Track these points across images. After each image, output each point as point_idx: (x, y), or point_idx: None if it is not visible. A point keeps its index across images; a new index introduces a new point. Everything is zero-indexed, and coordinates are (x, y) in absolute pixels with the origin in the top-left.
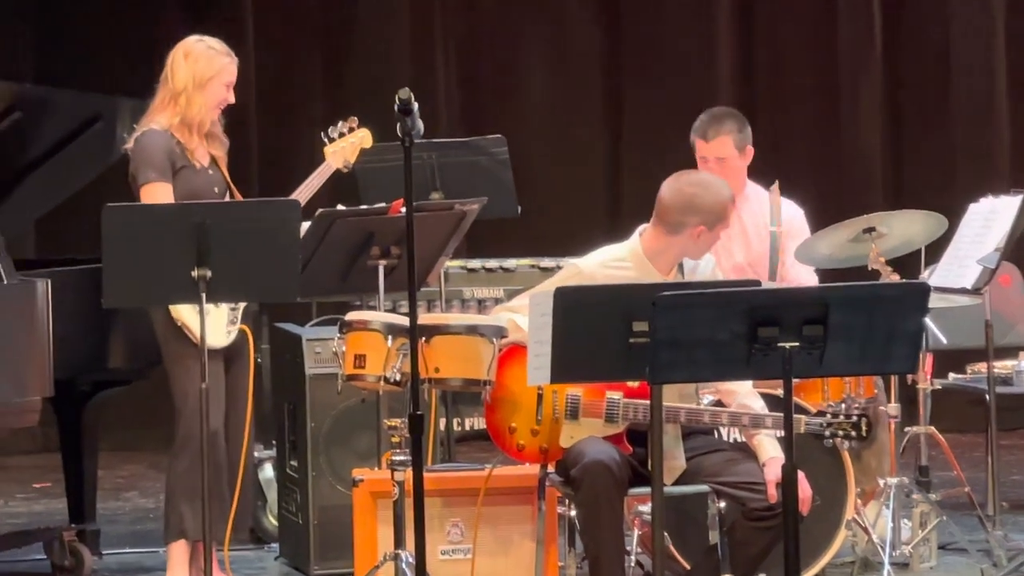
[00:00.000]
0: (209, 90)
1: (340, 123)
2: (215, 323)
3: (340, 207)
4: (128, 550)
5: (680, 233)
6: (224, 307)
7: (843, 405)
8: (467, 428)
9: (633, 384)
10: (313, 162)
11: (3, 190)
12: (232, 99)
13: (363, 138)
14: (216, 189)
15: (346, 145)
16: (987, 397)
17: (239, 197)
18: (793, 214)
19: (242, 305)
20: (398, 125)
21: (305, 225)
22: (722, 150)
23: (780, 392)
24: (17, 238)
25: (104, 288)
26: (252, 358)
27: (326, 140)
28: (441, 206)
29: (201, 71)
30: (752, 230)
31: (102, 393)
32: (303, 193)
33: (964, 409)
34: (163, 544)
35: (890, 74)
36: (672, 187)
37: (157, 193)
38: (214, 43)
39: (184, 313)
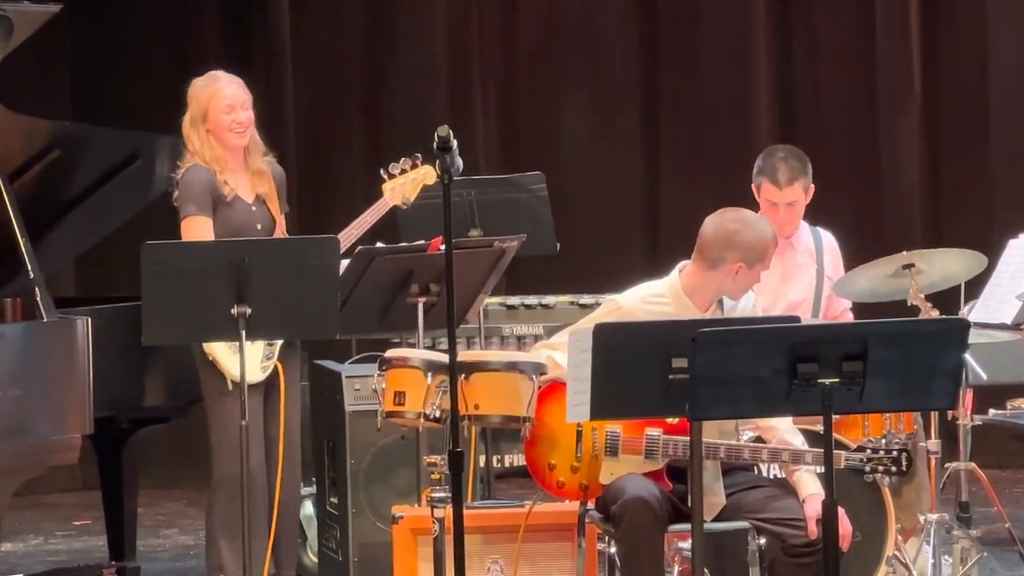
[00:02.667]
0: (210, 122)
1: (403, 159)
2: (250, 359)
3: (379, 244)
4: None
5: (718, 268)
6: (260, 342)
7: (883, 440)
8: (507, 465)
9: (672, 420)
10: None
11: (43, 227)
12: (241, 118)
13: (426, 175)
14: (259, 226)
15: (406, 182)
16: None
17: (284, 234)
18: (834, 249)
19: (279, 343)
20: (437, 162)
21: (345, 262)
22: (794, 195)
23: (820, 428)
24: (57, 275)
25: (144, 325)
26: (283, 392)
27: (385, 176)
28: (480, 243)
29: (193, 110)
30: (803, 268)
31: (142, 431)
32: (355, 229)
33: (1005, 445)
34: None
35: (928, 110)
36: (715, 222)
37: (196, 226)
38: (201, 78)
39: (216, 348)
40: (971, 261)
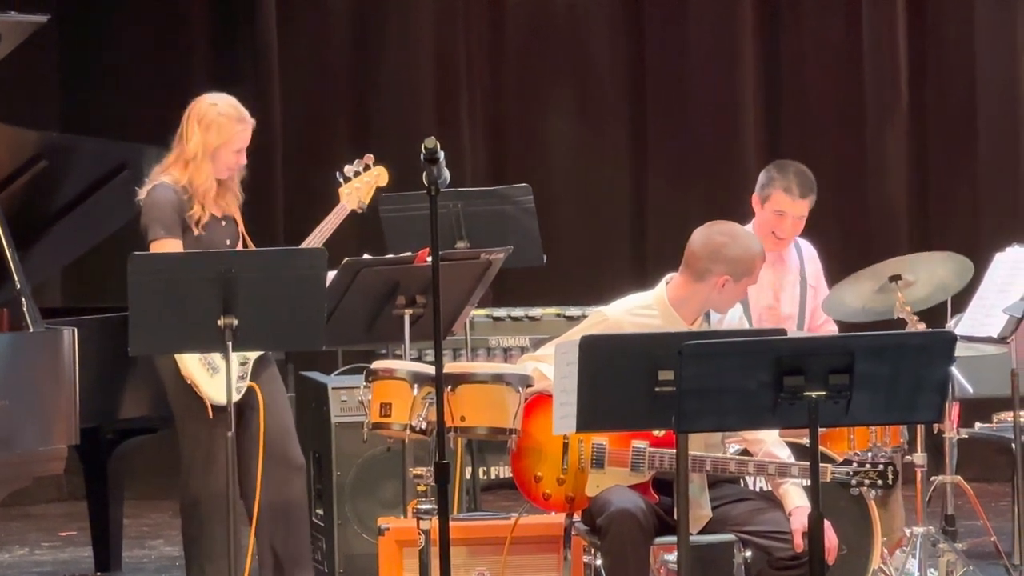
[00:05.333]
0: (219, 158)
1: (356, 161)
2: (225, 380)
3: (366, 256)
4: None
5: (705, 281)
6: (234, 363)
7: (869, 454)
8: (493, 477)
9: (659, 433)
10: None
11: (30, 238)
12: (242, 162)
13: (378, 176)
14: (228, 242)
15: (360, 185)
16: (1013, 446)
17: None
18: (814, 257)
19: (251, 361)
20: (424, 174)
21: (331, 274)
22: (804, 209)
23: (806, 441)
24: (43, 286)
25: (130, 336)
26: (262, 413)
27: (341, 180)
28: (467, 255)
29: (211, 140)
30: (791, 282)
31: (128, 441)
32: (319, 236)
33: (990, 458)
34: None
35: (915, 123)
36: (703, 234)
37: (167, 249)
38: (226, 108)
39: (193, 370)
40: (957, 268)
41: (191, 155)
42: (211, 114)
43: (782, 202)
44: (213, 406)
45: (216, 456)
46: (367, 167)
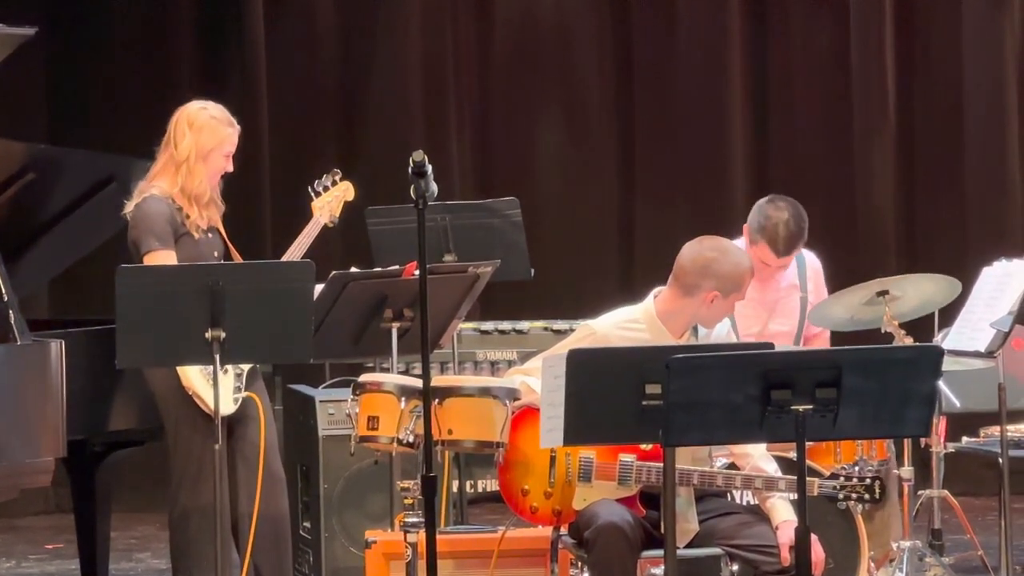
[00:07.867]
0: (210, 161)
1: (325, 176)
2: (223, 391)
3: (354, 269)
4: None
5: (694, 296)
6: (231, 374)
7: (856, 468)
8: (480, 490)
9: (646, 446)
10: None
11: (17, 250)
12: (231, 168)
13: (346, 191)
14: (216, 253)
15: (332, 199)
16: (1000, 460)
17: (239, 260)
18: (817, 271)
19: (245, 372)
20: (412, 187)
21: (319, 287)
22: (789, 261)
23: (793, 455)
24: (31, 298)
25: (118, 349)
26: (263, 422)
27: (312, 195)
28: (454, 268)
29: (204, 142)
30: (784, 298)
31: (115, 454)
32: (296, 251)
33: (977, 472)
34: None
35: (903, 137)
36: (693, 249)
37: (161, 261)
38: (216, 112)
39: (195, 381)
40: (945, 287)
41: (183, 158)
42: (202, 117)
43: (766, 256)
44: (208, 414)
45: (207, 468)
46: (335, 182)
